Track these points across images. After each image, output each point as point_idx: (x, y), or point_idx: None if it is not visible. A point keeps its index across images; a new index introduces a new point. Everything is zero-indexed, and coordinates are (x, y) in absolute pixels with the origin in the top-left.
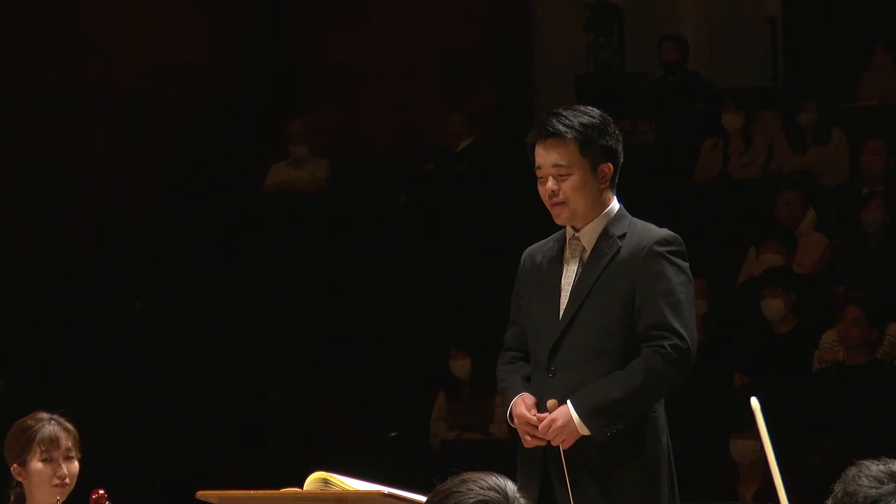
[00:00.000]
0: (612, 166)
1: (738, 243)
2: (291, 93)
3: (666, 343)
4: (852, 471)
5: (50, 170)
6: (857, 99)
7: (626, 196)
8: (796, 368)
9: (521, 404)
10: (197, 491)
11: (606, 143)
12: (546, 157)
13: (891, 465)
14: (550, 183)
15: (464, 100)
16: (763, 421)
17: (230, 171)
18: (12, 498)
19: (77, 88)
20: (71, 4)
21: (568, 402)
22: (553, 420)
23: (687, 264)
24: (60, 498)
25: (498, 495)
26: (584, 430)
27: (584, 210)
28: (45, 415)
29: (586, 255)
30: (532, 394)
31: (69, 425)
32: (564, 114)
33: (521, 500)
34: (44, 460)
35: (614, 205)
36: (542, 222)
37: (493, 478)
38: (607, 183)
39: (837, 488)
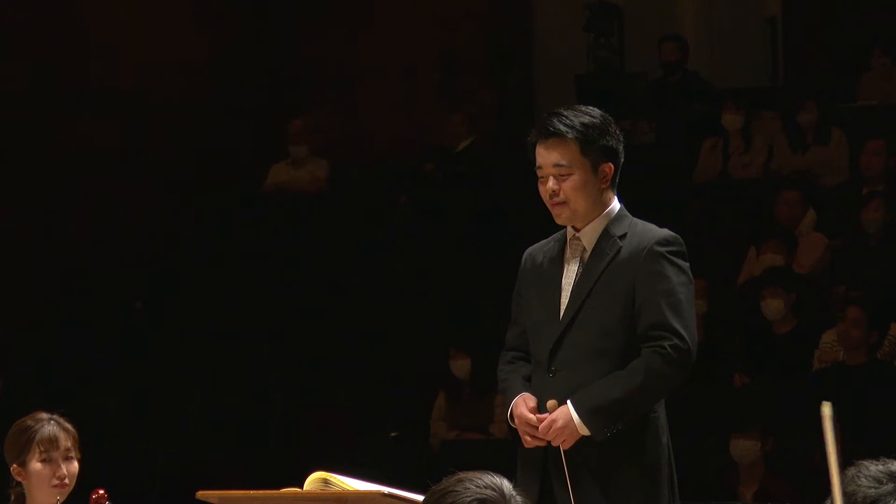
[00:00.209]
0: (612, 166)
1: (738, 243)
2: (291, 93)
3: (666, 343)
4: (851, 471)
5: (50, 170)
6: (856, 99)
7: (626, 196)
8: (796, 368)
9: (522, 404)
10: (197, 491)
11: (607, 143)
12: (547, 156)
13: (889, 466)
14: (551, 183)
15: (464, 100)
16: (832, 430)
17: (230, 171)
18: (13, 498)
19: (77, 88)
20: (71, 4)
21: (568, 402)
22: (553, 420)
23: (687, 264)
24: (60, 498)
25: (495, 493)
26: (585, 431)
27: (584, 210)
28: (44, 415)
29: (587, 255)
30: (532, 394)
31: (68, 426)
32: (565, 114)
33: (518, 498)
34: (43, 461)
35: (615, 205)
36: (542, 222)
37: (490, 477)
38: (608, 183)
39: None
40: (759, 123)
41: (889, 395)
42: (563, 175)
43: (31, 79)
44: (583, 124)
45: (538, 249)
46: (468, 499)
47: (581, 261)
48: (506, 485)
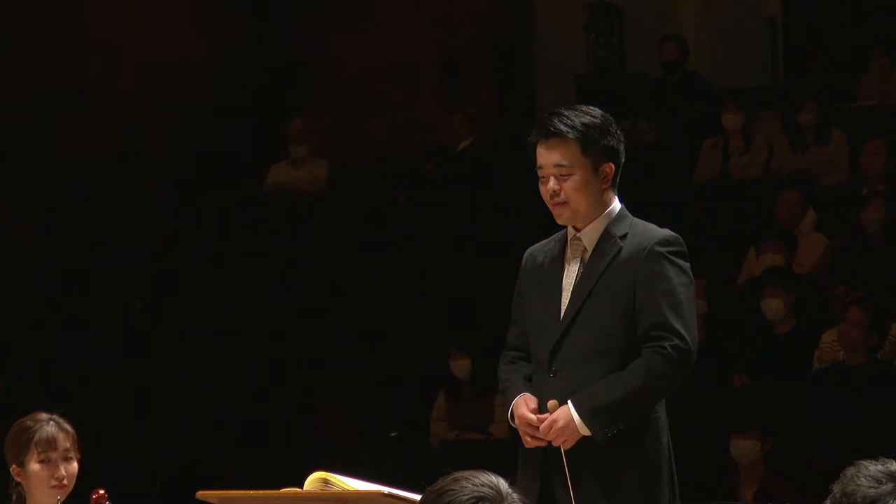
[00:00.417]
0: (613, 166)
1: (738, 243)
2: (291, 93)
3: (667, 343)
4: (851, 471)
5: (50, 170)
6: (856, 99)
7: (627, 196)
8: (796, 368)
9: (523, 405)
10: (197, 491)
11: (608, 143)
12: (547, 156)
13: (889, 466)
14: (552, 183)
15: (464, 100)
16: None
17: (230, 171)
18: (14, 498)
19: (77, 88)
20: (71, 4)
21: (569, 402)
22: (554, 421)
23: (688, 265)
24: (61, 497)
25: (492, 491)
26: (585, 431)
27: (585, 210)
28: (43, 415)
29: (587, 256)
30: (533, 394)
31: (67, 426)
32: (566, 114)
33: (515, 496)
34: (41, 462)
35: (616, 205)
36: (542, 222)
37: (486, 475)
38: (609, 183)
39: (836, 488)
40: (759, 123)
41: (889, 395)
42: (564, 175)
43: (31, 79)
44: (584, 124)
45: (539, 249)
46: (466, 497)
47: (582, 261)
48: (502, 483)
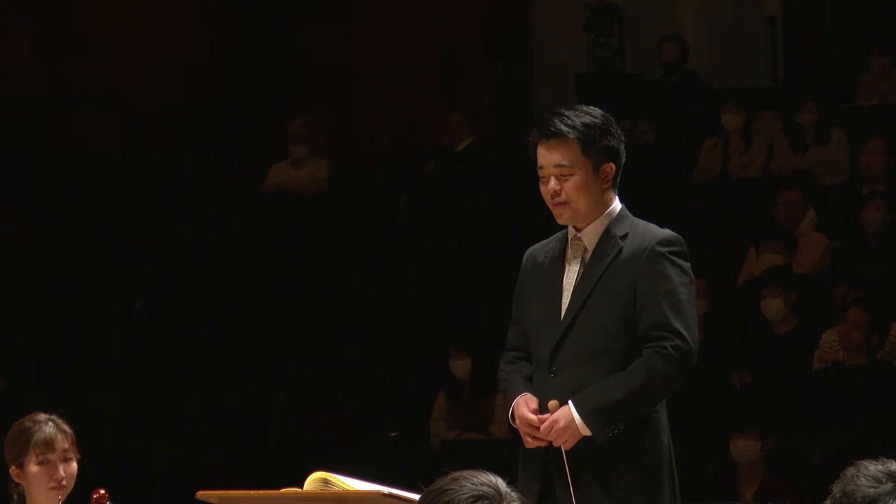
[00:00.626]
0: (614, 166)
1: (738, 243)
2: (291, 93)
3: (667, 344)
4: (851, 471)
5: (50, 170)
6: (856, 99)
7: (627, 196)
8: (796, 368)
9: (523, 405)
10: (197, 491)
11: (609, 142)
12: (548, 156)
13: (889, 465)
14: (552, 183)
15: (464, 100)
16: None
17: (230, 171)
18: (14, 498)
19: (77, 88)
20: (71, 4)
21: (569, 402)
22: (555, 421)
23: (689, 265)
24: (62, 498)
25: (491, 489)
26: (586, 431)
27: (585, 210)
28: (42, 416)
29: (588, 256)
30: (533, 394)
31: (66, 426)
32: (567, 114)
33: (514, 495)
34: (40, 463)
35: (616, 205)
36: (542, 222)
37: (485, 475)
38: (609, 183)
39: (836, 488)
40: (759, 123)
41: (889, 395)
42: (565, 175)
43: (31, 79)
44: (584, 124)
45: (539, 249)
46: (465, 495)
47: (582, 261)
48: (501, 483)
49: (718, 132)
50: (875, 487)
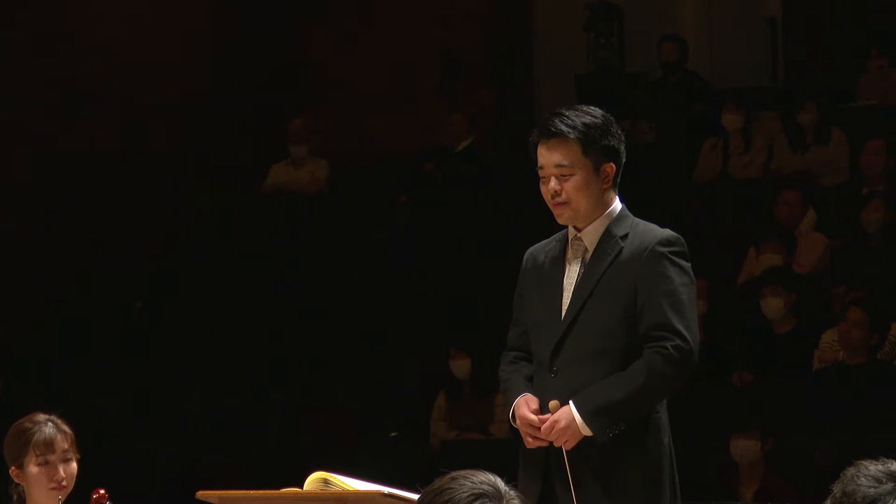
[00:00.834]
0: (614, 166)
1: (738, 243)
2: (291, 93)
3: (668, 344)
4: (851, 471)
5: (50, 170)
6: (856, 99)
7: (627, 196)
8: (796, 368)
9: (524, 405)
10: (197, 491)
11: (609, 142)
12: (548, 157)
13: (889, 465)
14: (553, 183)
15: (464, 100)
16: None
17: (230, 171)
18: (14, 498)
19: (77, 88)
20: (71, 4)
21: (570, 402)
22: (555, 421)
23: (689, 265)
24: (62, 498)
25: (491, 488)
26: (587, 431)
27: (586, 210)
28: (42, 416)
29: (588, 256)
30: (534, 394)
31: (66, 427)
32: (567, 114)
33: (513, 493)
34: (40, 464)
35: (616, 205)
36: (542, 222)
37: (484, 474)
38: (609, 183)
39: (836, 488)
40: (759, 123)
41: (889, 395)
42: (565, 175)
43: (31, 79)
44: (584, 124)
45: (539, 249)
46: (465, 494)
47: (582, 261)
48: (500, 482)
49: (718, 132)
50: (875, 487)
